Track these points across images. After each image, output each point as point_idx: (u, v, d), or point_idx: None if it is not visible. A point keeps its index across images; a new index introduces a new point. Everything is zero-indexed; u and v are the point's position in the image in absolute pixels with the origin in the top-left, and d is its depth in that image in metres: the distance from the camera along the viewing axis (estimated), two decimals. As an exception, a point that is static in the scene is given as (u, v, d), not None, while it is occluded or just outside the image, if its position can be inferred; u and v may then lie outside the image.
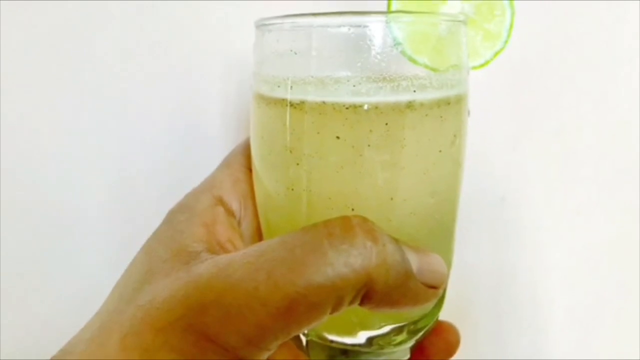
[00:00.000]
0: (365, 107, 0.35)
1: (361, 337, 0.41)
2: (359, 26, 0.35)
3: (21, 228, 0.57)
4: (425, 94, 0.36)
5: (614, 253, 0.69)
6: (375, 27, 0.35)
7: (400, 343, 0.42)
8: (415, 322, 0.42)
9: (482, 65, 0.41)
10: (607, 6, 0.63)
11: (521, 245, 0.68)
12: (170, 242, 0.37)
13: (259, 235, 0.43)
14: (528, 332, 0.69)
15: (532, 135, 0.65)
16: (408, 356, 0.44)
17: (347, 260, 0.31)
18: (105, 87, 0.56)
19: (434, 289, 0.36)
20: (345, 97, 0.35)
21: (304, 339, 0.43)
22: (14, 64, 0.54)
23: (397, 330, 0.41)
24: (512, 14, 0.41)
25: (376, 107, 0.35)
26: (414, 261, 0.34)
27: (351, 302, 0.33)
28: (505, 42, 0.41)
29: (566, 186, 0.67)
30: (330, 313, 0.32)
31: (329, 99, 0.35)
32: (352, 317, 0.40)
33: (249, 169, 0.43)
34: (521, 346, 0.69)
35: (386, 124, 0.35)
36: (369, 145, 0.35)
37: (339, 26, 0.35)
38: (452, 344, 0.46)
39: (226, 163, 0.44)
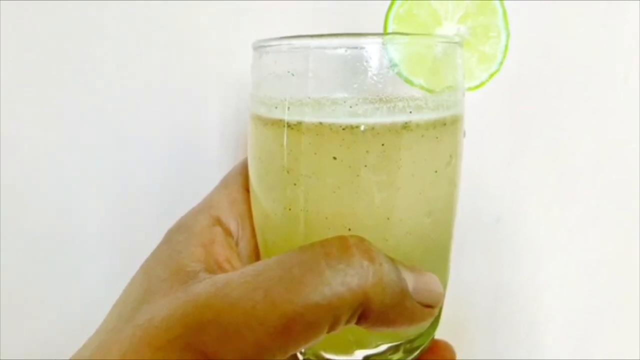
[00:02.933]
0: (362, 128, 0.35)
1: (358, 355, 0.41)
2: (356, 48, 0.35)
3: (20, 246, 0.57)
4: (421, 115, 0.36)
5: (611, 270, 0.69)
6: (372, 48, 0.35)
7: (396, 362, 0.42)
8: (411, 341, 0.42)
9: (477, 87, 0.41)
10: (602, 28, 0.64)
11: (517, 263, 0.68)
12: (169, 262, 0.37)
13: (256, 255, 0.43)
14: (524, 349, 0.69)
15: (528, 156, 0.66)
16: (404, 374, 0.44)
17: (344, 280, 0.32)
18: (104, 107, 0.56)
19: (430, 308, 0.36)
20: (342, 118, 0.35)
21: (301, 358, 0.43)
22: (12, 88, 0.54)
23: (394, 349, 0.41)
24: (508, 35, 0.41)
25: (373, 128, 0.35)
26: (410, 280, 0.35)
27: (348, 321, 0.33)
28: (501, 63, 0.41)
29: (562, 205, 0.67)
30: (327, 332, 0.32)
31: (326, 119, 0.35)
32: (349, 336, 0.40)
33: (246, 189, 0.43)
34: (517, 364, 0.69)
35: (382, 144, 0.35)
36: (365, 166, 0.35)
37: (336, 48, 0.35)
38: (448, 363, 0.46)
39: (224, 183, 0.45)
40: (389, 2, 0.41)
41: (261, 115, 0.38)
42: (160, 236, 0.40)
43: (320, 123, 0.35)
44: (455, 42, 0.39)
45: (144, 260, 0.39)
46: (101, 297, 0.47)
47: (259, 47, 0.39)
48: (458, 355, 0.46)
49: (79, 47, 0.55)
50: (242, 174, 0.44)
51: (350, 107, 0.35)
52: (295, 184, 0.36)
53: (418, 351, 0.43)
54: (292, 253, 0.33)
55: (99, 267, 0.59)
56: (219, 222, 0.41)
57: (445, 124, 0.37)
